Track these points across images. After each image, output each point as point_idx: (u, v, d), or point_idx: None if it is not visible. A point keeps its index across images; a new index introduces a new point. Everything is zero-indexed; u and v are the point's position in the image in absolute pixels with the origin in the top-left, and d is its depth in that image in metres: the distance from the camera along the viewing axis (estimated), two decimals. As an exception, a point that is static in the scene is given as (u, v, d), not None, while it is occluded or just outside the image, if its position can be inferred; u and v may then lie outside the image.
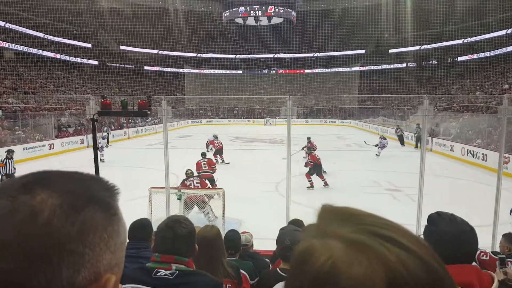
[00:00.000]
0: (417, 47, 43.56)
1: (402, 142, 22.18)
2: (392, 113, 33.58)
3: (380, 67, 47.58)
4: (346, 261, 0.40)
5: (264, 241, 4.99)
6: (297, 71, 51.42)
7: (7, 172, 10.95)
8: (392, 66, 46.66)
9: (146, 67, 49.27)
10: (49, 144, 20.07)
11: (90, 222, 0.47)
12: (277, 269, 2.46)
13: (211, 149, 16.65)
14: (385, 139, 17.85)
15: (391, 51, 46.86)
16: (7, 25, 33.48)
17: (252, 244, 4.00)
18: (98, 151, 17.48)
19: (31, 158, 17.95)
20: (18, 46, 34.52)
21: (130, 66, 46.79)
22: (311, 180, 11.57)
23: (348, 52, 47.98)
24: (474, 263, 1.67)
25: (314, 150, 12.94)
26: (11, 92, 28.52)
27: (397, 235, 0.43)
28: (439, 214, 1.69)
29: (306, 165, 11.86)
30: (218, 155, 16.11)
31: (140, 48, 47.95)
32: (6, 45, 33.45)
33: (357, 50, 48.12)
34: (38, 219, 0.43)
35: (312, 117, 44.57)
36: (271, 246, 5.20)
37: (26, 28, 35.76)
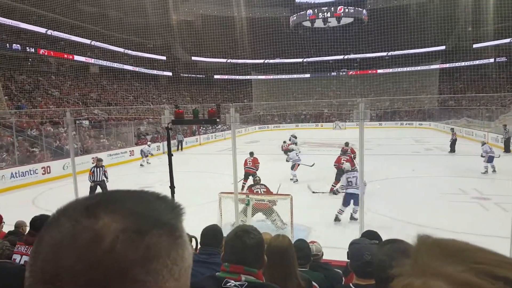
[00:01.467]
0: (507, 40, 39.38)
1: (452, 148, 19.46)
2: (478, 113, 30.80)
3: (462, 63, 43.77)
4: None
5: (336, 250, 4.75)
6: (369, 71, 49.42)
7: (95, 179, 11.27)
8: (477, 62, 42.73)
9: (215, 76, 51.03)
10: (129, 151, 21.57)
11: (155, 247, 0.44)
12: (350, 284, 2.28)
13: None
14: (484, 144, 13.96)
15: (475, 45, 42.96)
16: (93, 42, 36.75)
17: (322, 254, 3.86)
18: (144, 158, 17.92)
19: (115, 164, 19.39)
20: (102, 61, 37.74)
21: (201, 76, 48.75)
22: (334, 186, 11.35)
23: (425, 49, 44.81)
24: None
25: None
26: (96, 104, 31.23)
27: None
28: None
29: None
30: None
31: (210, 57, 49.75)
32: (92, 61, 36.73)
33: (436, 47, 44.78)
34: (100, 245, 0.41)
35: (386, 119, 42.56)
36: (344, 256, 4.96)
37: (109, 44, 38.97)
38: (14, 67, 28.72)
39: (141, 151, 19.62)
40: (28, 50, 30.59)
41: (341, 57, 49.98)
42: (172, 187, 6.30)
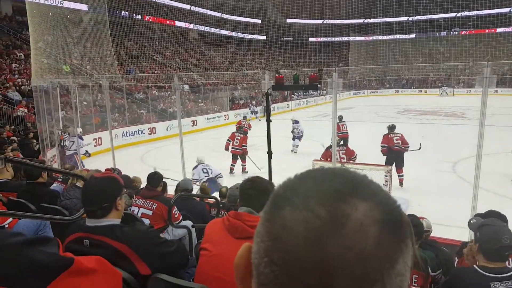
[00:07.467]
0: None
1: None
2: None
3: None
4: None
5: (438, 227, 4.44)
6: (486, 30, 43.33)
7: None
8: None
9: (310, 39, 49.55)
10: (224, 115, 22.50)
11: (408, 238, 0.41)
12: (475, 266, 2.16)
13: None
14: None
15: None
16: (192, 7, 38.03)
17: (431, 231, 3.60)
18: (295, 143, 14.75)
19: (211, 127, 20.40)
20: (200, 26, 38.97)
21: (295, 39, 47.82)
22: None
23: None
24: None
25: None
26: (195, 69, 32.80)
27: None
28: None
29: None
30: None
31: (305, 19, 48.27)
32: (191, 26, 38.17)
33: None
34: (367, 235, 0.38)
35: (503, 86, 37.39)
36: (448, 233, 4.58)
37: (207, 9, 40.00)
38: (123, 34, 31.05)
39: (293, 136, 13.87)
40: (135, 17, 32.76)
41: (453, 14, 44.35)
42: (269, 152, 6.38)
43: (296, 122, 13.51)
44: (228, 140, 11.05)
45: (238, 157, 10.90)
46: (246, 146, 10.86)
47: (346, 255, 0.38)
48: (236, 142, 10.78)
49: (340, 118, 12.59)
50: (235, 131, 11.30)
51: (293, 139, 13.38)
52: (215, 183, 8.05)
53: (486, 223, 2.32)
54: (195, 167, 8.55)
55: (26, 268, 1.15)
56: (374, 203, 0.41)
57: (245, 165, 10.92)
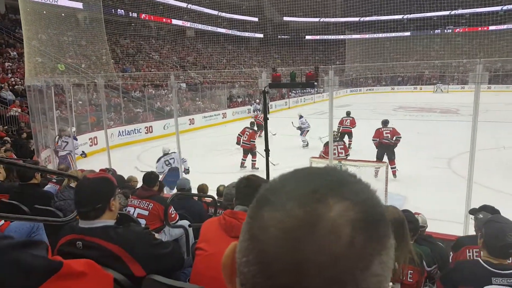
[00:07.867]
0: None
1: None
2: None
3: None
4: None
5: (433, 222, 4.46)
6: (479, 28, 43.61)
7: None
8: None
9: (307, 37, 49.49)
10: (222, 113, 22.45)
11: (386, 238, 0.41)
12: (480, 260, 2.18)
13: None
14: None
15: None
16: (188, 5, 37.85)
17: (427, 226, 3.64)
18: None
19: (209, 126, 20.34)
20: (197, 24, 38.77)
21: (292, 37, 47.76)
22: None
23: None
24: None
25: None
26: (192, 67, 32.69)
27: None
28: None
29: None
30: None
31: (302, 17, 48.21)
32: (188, 24, 38.00)
33: None
34: (341, 237, 0.37)
35: (496, 82, 37.68)
36: (443, 228, 4.60)
37: (203, 7, 39.81)
38: (119, 32, 30.73)
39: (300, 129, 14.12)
40: (131, 15, 32.53)
41: (447, 12, 44.56)
42: (267, 150, 6.37)
43: (300, 117, 13.99)
44: (239, 134, 11.13)
45: (249, 152, 10.99)
46: (254, 141, 10.94)
47: (319, 256, 0.37)
48: (245, 137, 10.88)
49: (348, 113, 12.92)
50: (247, 126, 11.45)
51: (301, 134, 13.82)
52: (177, 173, 7.82)
53: (493, 219, 2.33)
54: (158, 159, 8.51)
55: (15, 271, 1.12)
56: (352, 203, 0.39)
57: (255, 161, 10.95)
